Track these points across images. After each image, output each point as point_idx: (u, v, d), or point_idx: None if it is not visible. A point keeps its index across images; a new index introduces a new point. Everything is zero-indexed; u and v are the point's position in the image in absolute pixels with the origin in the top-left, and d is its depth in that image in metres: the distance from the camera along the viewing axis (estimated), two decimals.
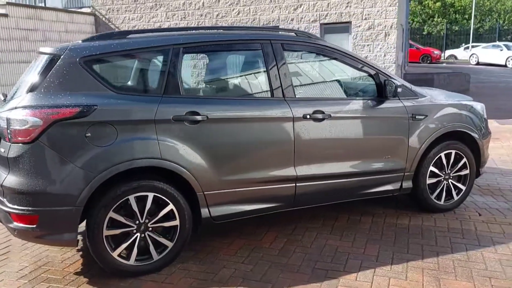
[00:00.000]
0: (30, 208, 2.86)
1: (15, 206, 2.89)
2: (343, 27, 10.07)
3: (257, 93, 3.72)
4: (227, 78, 3.80)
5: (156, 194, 3.08)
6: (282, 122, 3.42)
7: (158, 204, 3.15)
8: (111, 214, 2.99)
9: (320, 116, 3.53)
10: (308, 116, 3.48)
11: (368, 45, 9.86)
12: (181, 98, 3.16)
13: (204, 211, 3.26)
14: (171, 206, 3.13)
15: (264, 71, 3.46)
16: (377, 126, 3.78)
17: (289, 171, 3.49)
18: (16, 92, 3.06)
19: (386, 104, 3.81)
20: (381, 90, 3.78)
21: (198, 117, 3.14)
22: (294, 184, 3.53)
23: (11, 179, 2.90)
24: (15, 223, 2.92)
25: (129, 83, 3.47)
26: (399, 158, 3.90)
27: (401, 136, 3.88)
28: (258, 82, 3.67)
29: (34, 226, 2.89)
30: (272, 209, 3.54)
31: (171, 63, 3.17)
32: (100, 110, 2.91)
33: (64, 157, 2.85)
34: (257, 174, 3.38)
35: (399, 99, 3.87)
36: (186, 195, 3.22)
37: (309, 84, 4.06)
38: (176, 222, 3.17)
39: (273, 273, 3.14)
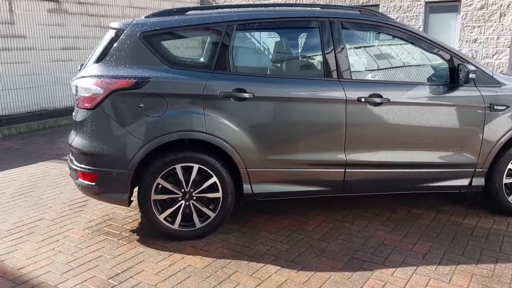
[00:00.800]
0: (91, 168, 3.21)
1: (80, 165, 3.26)
2: (451, 6, 9.17)
3: (310, 72, 3.63)
4: (279, 56, 3.76)
5: (201, 166, 3.23)
6: (333, 104, 3.31)
7: (203, 176, 3.30)
8: (159, 180, 3.22)
9: (377, 100, 3.33)
10: (363, 100, 3.32)
11: (479, 26, 8.87)
12: (229, 75, 3.23)
13: (247, 187, 3.33)
14: (214, 179, 3.26)
15: (319, 50, 3.36)
16: (445, 115, 3.44)
17: (338, 156, 3.38)
18: (88, 62, 3.40)
19: (459, 92, 3.45)
20: (454, 76, 3.43)
21: (245, 95, 3.18)
22: (343, 170, 3.41)
23: (77, 140, 3.28)
24: (80, 180, 3.30)
25: (183, 58, 3.63)
26: (470, 152, 3.53)
27: (474, 127, 3.49)
28: (311, 62, 3.58)
29: (94, 183, 3.24)
30: (318, 193, 3.48)
31: (224, 40, 3.24)
32: (153, 82, 3.11)
33: (120, 124, 3.13)
34: (303, 156, 3.34)
35: (475, 87, 3.47)
36: (230, 170, 3.32)
37: (370, 65, 3.84)
38: (219, 194, 3.30)
39: (307, 256, 3.12)
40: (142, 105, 3.12)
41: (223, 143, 3.19)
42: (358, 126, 3.36)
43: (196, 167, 3.23)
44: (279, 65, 3.73)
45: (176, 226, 3.30)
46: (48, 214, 3.94)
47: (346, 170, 3.42)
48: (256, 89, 3.20)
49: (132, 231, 3.55)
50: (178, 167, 3.22)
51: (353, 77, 3.39)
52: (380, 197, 4.16)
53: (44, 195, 4.44)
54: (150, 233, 3.46)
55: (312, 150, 3.34)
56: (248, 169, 3.28)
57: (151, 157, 3.22)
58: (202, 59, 3.53)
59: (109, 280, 2.82)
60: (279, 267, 2.97)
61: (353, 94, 3.31)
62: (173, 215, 3.31)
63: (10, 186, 4.74)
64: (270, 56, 3.80)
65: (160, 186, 3.26)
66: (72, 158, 3.38)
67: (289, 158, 3.32)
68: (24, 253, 3.20)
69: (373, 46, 3.94)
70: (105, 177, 3.21)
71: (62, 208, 4.09)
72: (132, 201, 3.38)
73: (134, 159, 3.13)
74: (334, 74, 3.34)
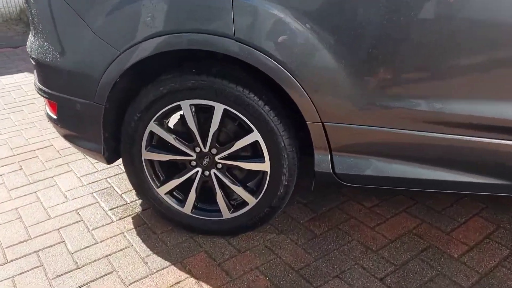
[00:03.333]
0: (46, 89, 1.81)
1: (38, 84, 1.88)
2: None
3: None
4: None
5: (228, 108, 1.56)
6: None
7: (234, 127, 1.66)
8: (152, 126, 1.67)
9: None
10: None
11: None
12: None
13: (321, 159, 1.58)
14: (255, 135, 1.58)
15: None
16: None
17: None
18: None
19: None
20: None
21: None
22: None
23: (29, 41, 1.86)
24: (46, 106, 1.95)
25: None
26: None
27: None
28: None
29: (56, 117, 1.86)
30: (477, 187, 1.54)
31: None
32: None
33: (79, 14, 1.57)
34: (460, 106, 1.38)
35: None
36: (289, 121, 1.59)
37: None
38: (264, 166, 1.63)
39: None
40: None
41: (271, 63, 1.42)
42: None
43: (219, 108, 1.57)
44: None
45: (187, 209, 1.80)
46: (61, 140, 2.79)
47: None
48: None
49: (136, 199, 2.17)
50: (185, 106, 1.60)
51: None
52: None
53: None
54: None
55: (484, 94, 1.36)
56: (326, 123, 1.50)
57: (134, 83, 1.66)
58: None
59: None
60: None
61: None
62: (183, 190, 1.80)
63: None
64: None
65: (156, 137, 1.73)
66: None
67: (427, 108, 1.40)
68: None
69: None
70: (66, 110, 1.79)
71: None
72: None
73: (102, 82, 1.60)
74: None
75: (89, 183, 2.29)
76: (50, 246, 1.83)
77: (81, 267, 1.70)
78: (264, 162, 1.62)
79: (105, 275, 1.66)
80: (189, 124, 1.63)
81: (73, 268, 1.70)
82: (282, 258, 1.70)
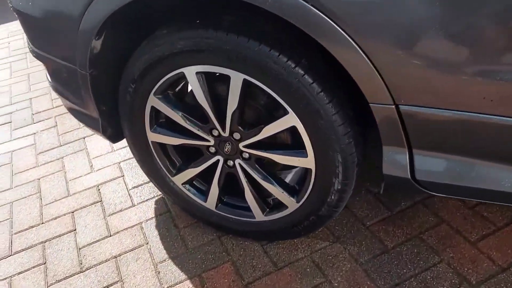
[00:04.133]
0: (32, 47, 1.42)
1: (27, 40, 1.48)
2: None
3: None
4: None
5: (248, 78, 1.02)
6: None
7: (266, 104, 1.13)
8: (153, 101, 1.20)
9: None
10: None
11: None
12: None
13: (394, 159, 1.00)
14: (291, 119, 1.04)
15: None
16: None
17: None
18: None
19: None
20: None
21: None
22: None
23: None
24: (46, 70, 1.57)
25: None
26: None
27: None
28: None
29: (50, 80, 1.48)
30: None
31: None
32: None
33: None
34: None
35: None
36: (343, 99, 1.01)
37: None
38: (307, 162, 1.10)
39: None
40: None
41: (317, 15, 0.83)
42: None
43: (236, 79, 1.04)
44: None
45: (211, 204, 1.37)
46: None
47: None
48: None
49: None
50: (190, 75, 1.10)
51: None
52: None
53: None
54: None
55: None
56: (402, 107, 0.90)
57: (132, 44, 1.19)
58: None
59: None
60: None
61: None
62: (206, 179, 1.37)
63: None
64: None
65: (163, 114, 1.26)
66: None
67: None
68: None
69: None
70: (56, 75, 1.40)
71: None
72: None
73: (79, 41, 1.14)
74: None
75: (119, 149, 1.95)
76: (59, 236, 1.54)
77: (85, 270, 1.40)
78: (306, 156, 1.09)
79: (107, 286, 1.33)
80: (198, 100, 1.13)
81: (76, 272, 1.40)
82: (334, 283, 1.22)
